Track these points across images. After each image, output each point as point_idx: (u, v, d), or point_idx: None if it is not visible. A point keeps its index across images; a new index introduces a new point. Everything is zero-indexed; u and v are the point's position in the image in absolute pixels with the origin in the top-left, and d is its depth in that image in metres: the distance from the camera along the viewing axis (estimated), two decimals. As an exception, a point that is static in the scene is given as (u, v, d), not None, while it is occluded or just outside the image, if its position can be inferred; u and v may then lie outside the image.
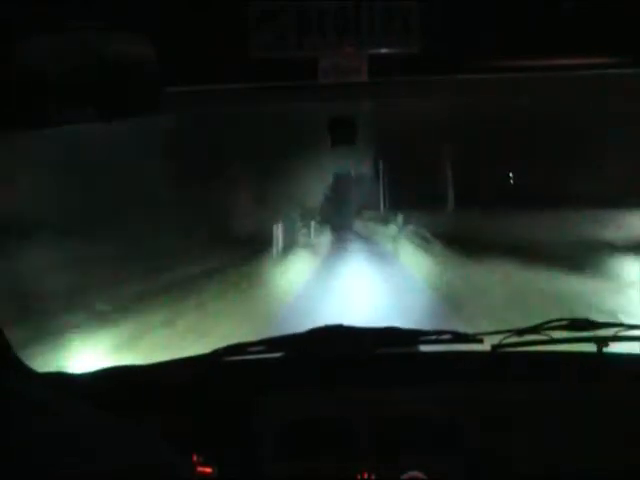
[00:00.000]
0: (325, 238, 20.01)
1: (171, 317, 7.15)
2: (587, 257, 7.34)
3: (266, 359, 1.57)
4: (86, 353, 5.26)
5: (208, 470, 1.09)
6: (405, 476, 1.14)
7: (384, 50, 1.27)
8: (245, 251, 11.27)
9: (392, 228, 20.79)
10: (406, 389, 1.40)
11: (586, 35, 1.27)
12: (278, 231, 13.49)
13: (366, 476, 1.16)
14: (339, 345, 1.53)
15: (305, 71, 1.25)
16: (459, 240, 12.20)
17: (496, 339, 1.55)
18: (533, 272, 8.24)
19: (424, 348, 1.61)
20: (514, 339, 1.54)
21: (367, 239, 20.31)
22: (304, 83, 1.31)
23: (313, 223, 19.65)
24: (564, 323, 1.55)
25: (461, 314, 7.44)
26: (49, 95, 1.03)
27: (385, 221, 22.83)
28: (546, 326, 1.55)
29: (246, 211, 12.40)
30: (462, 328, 1.67)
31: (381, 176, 23.38)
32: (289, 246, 14.07)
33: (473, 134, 13.39)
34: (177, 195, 8.60)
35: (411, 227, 18.09)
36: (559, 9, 1.26)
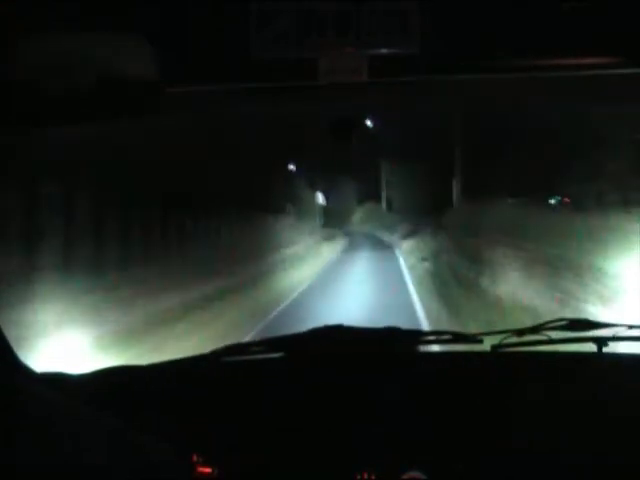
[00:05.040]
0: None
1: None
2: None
3: (266, 359, 1.57)
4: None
5: (208, 470, 1.09)
6: (405, 476, 1.13)
7: (384, 50, 1.27)
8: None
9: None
10: (406, 389, 1.40)
11: (586, 35, 1.27)
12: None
13: (366, 476, 1.15)
14: (339, 345, 1.53)
15: (305, 71, 1.25)
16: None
17: (496, 339, 1.55)
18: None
19: (424, 348, 1.61)
20: (514, 339, 1.54)
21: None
22: (304, 83, 1.31)
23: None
24: (564, 323, 1.55)
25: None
26: (49, 95, 1.03)
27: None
28: (546, 326, 1.55)
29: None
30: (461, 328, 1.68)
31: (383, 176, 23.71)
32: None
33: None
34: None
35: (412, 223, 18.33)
36: (559, 9, 1.26)
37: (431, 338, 1.58)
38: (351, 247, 20.66)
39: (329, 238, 21.38)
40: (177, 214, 8.85)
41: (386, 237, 22.92)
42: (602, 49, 1.29)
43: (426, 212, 17.32)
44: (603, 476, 1.12)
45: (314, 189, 22.42)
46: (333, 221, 23.85)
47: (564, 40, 1.28)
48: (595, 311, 5.89)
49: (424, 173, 17.12)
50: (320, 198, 23.40)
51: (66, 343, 5.13)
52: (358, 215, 27.67)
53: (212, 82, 1.29)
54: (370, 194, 26.02)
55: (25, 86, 1.00)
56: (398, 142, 17.78)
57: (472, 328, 5.26)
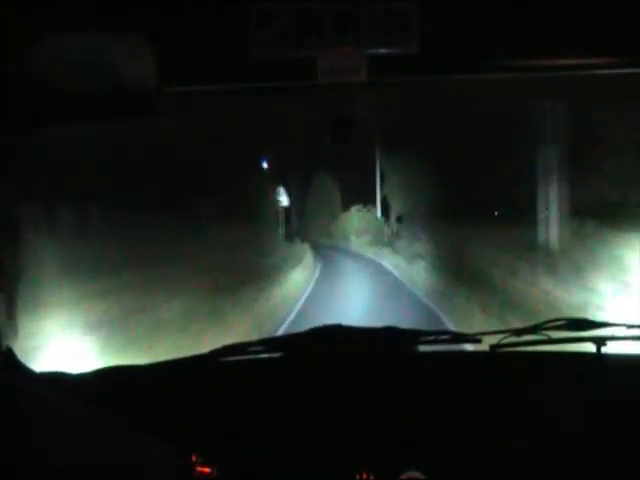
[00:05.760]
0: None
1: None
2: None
3: (265, 359, 1.57)
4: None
5: (207, 470, 1.09)
6: (404, 476, 1.13)
7: (383, 50, 1.27)
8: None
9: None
10: (405, 389, 1.40)
11: (586, 35, 1.27)
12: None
13: (365, 476, 1.16)
14: (338, 345, 1.53)
15: (304, 71, 1.26)
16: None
17: (495, 339, 1.55)
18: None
19: (423, 348, 1.61)
20: (512, 339, 1.54)
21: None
22: (303, 83, 1.31)
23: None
24: (562, 323, 1.55)
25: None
26: (48, 95, 1.03)
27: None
28: (544, 326, 1.55)
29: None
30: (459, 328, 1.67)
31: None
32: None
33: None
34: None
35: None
36: (559, 9, 1.26)
37: (430, 338, 1.59)
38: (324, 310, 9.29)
39: (282, 274, 11.66)
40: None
41: (392, 265, 14.29)
42: (602, 49, 1.29)
43: (449, 224, 11.84)
44: (602, 476, 1.13)
45: (277, 187, 15.84)
46: (305, 231, 16.97)
47: (564, 40, 1.28)
48: None
49: (447, 173, 11.56)
50: (283, 198, 16.04)
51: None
52: (342, 224, 19.82)
53: (212, 82, 1.29)
54: (360, 196, 19.57)
55: (25, 86, 1.00)
56: (403, 131, 13.62)
57: None
